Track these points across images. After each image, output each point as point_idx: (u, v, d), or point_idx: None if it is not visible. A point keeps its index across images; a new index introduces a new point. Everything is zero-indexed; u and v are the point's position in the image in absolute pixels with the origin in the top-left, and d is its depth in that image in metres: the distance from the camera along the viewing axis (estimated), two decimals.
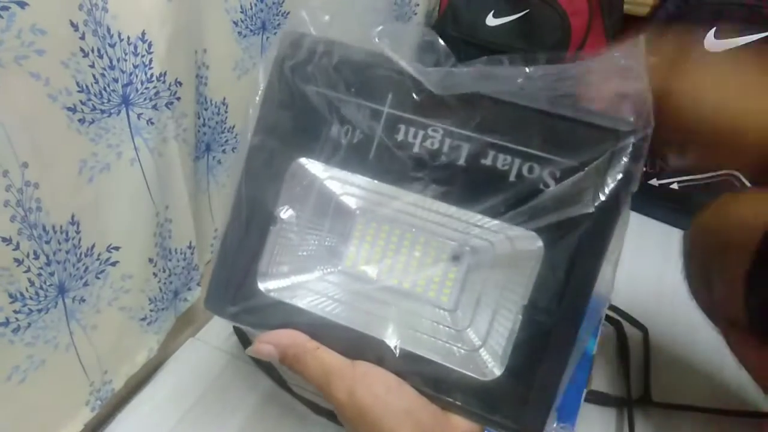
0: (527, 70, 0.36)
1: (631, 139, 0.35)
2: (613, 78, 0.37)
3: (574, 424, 0.58)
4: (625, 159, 0.35)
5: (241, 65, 0.64)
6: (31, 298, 0.45)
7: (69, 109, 0.45)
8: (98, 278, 0.51)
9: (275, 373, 0.65)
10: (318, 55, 0.39)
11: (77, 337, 0.50)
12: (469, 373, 0.37)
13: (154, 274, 0.58)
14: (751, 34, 0.77)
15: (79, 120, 0.46)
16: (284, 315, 0.40)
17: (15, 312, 0.44)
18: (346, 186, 0.41)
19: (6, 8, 0.38)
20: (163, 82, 0.52)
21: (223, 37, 0.61)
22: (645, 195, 0.90)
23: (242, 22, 0.62)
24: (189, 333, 0.71)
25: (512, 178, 0.37)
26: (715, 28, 0.78)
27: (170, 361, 0.68)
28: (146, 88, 0.51)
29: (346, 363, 0.38)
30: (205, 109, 0.62)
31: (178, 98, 0.55)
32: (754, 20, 0.76)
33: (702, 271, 0.52)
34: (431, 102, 0.38)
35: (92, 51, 0.46)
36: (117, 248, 0.52)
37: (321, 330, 0.39)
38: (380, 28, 0.39)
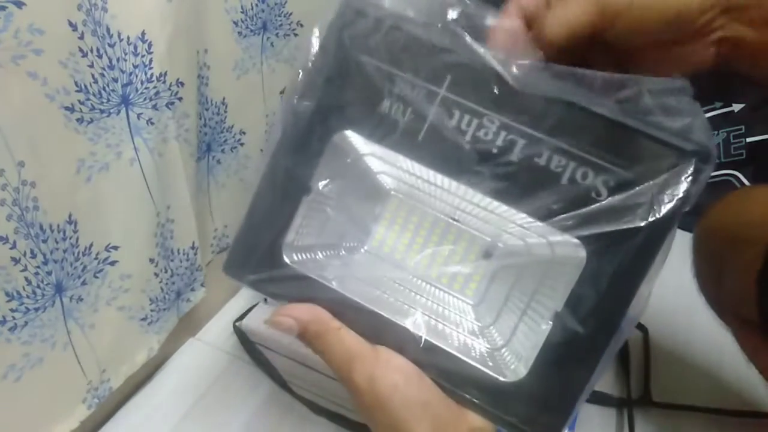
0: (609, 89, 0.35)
1: (694, 161, 0.33)
2: None
3: (574, 424, 0.57)
4: (685, 181, 0.34)
5: (240, 65, 0.64)
6: (28, 297, 0.45)
7: (67, 108, 0.45)
8: (96, 277, 0.51)
9: (276, 373, 0.65)
10: (383, 28, 0.37)
11: (75, 337, 0.50)
12: (489, 372, 0.37)
13: (156, 275, 0.58)
14: None
15: (78, 119, 0.46)
16: (307, 289, 0.39)
17: (12, 310, 0.45)
18: (385, 165, 0.40)
19: (3, 8, 0.38)
20: (164, 82, 0.52)
21: (223, 37, 0.61)
22: None
23: (242, 22, 0.62)
24: (189, 333, 0.71)
25: (564, 181, 0.35)
26: None
27: (170, 361, 0.68)
28: (146, 88, 0.51)
29: (368, 348, 0.37)
30: (206, 110, 0.62)
31: (180, 98, 0.55)
32: None
33: (712, 269, 0.51)
34: (493, 93, 0.36)
35: (91, 51, 0.46)
36: (116, 248, 0.52)
37: (344, 309, 0.38)
38: (458, 11, 0.37)
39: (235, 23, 0.62)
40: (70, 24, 0.43)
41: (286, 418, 0.62)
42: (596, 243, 0.35)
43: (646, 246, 0.34)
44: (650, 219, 0.34)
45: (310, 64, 0.39)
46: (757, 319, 0.47)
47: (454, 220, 0.40)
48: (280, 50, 0.69)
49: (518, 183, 0.36)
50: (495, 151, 0.36)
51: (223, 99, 0.64)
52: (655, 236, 0.34)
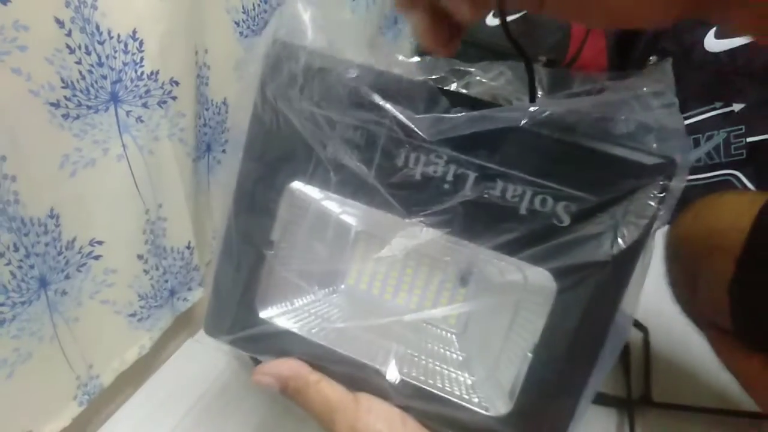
0: (531, 109, 0.32)
1: (659, 177, 0.31)
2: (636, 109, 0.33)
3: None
4: (651, 201, 0.31)
5: (242, 65, 0.64)
6: (14, 291, 0.46)
7: (52, 104, 0.45)
8: (80, 271, 0.52)
9: None
10: (306, 72, 0.36)
11: (60, 330, 0.51)
12: (475, 408, 0.36)
13: (145, 271, 0.58)
14: None
15: (63, 115, 0.46)
16: (285, 342, 0.39)
17: (0, 305, 0.45)
18: (345, 205, 0.39)
19: None
20: (155, 80, 0.53)
21: (224, 38, 0.61)
22: None
23: (244, 22, 0.62)
24: (188, 333, 0.71)
25: (523, 211, 0.33)
26: (714, 27, 0.76)
27: (169, 361, 0.69)
28: (136, 86, 0.52)
29: (348, 397, 0.36)
30: (206, 110, 0.63)
31: (174, 97, 0.55)
32: None
33: (686, 278, 0.51)
34: None
35: (79, 48, 0.46)
36: (100, 242, 0.53)
37: (323, 359, 0.38)
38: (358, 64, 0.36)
39: (237, 23, 0.62)
40: (57, 21, 0.44)
41: (285, 419, 0.62)
42: (566, 274, 0.33)
43: (615, 278, 0.33)
44: (615, 251, 0.32)
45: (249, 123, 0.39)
46: (730, 328, 0.45)
47: (424, 252, 0.39)
48: None
49: (477, 217, 0.34)
50: (447, 186, 0.34)
51: (224, 99, 0.64)
52: (624, 267, 0.33)
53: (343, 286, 0.41)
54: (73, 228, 0.50)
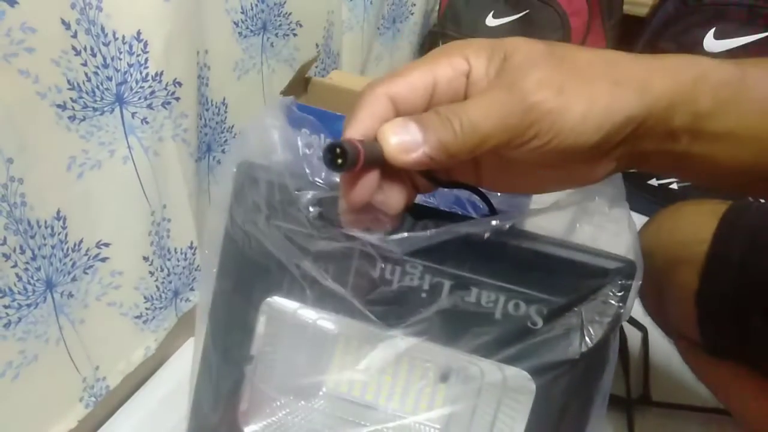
0: (493, 223, 0.33)
1: (620, 278, 0.34)
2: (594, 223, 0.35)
3: None
4: (613, 300, 0.34)
5: (241, 65, 0.64)
6: (19, 293, 0.46)
7: (59, 106, 0.45)
8: (86, 273, 0.52)
9: None
10: (269, 199, 0.37)
11: (66, 332, 0.51)
12: None
13: (151, 273, 0.58)
14: (751, 34, 0.75)
15: (70, 117, 0.46)
16: None
17: (5, 307, 0.45)
18: (322, 311, 0.39)
19: None
20: (159, 81, 0.53)
21: (223, 38, 0.61)
22: (644, 195, 0.89)
23: (243, 22, 0.62)
24: (189, 333, 0.71)
25: (498, 315, 0.35)
26: (714, 28, 0.77)
27: (171, 360, 0.68)
28: (141, 87, 0.52)
29: None
30: (206, 110, 0.63)
31: (177, 98, 0.55)
32: (754, 21, 0.74)
33: (653, 290, 0.51)
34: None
35: (85, 49, 0.46)
36: (107, 244, 0.53)
37: None
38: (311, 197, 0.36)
39: (236, 24, 0.62)
40: (63, 23, 0.44)
41: None
42: (542, 373, 0.35)
43: (586, 373, 0.35)
44: (584, 348, 0.34)
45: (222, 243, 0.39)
46: (699, 339, 0.46)
47: (403, 353, 0.39)
48: (279, 50, 0.69)
49: (454, 323, 0.35)
50: (424, 296, 0.35)
51: (224, 99, 0.64)
52: (594, 361, 0.35)
53: (323, 391, 0.42)
54: (79, 230, 0.50)
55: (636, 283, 0.34)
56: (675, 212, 0.50)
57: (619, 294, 0.34)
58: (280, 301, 0.38)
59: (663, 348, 0.70)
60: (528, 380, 0.35)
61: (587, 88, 0.28)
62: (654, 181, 0.89)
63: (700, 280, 0.45)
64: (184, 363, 0.68)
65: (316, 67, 0.78)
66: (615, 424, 0.63)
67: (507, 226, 0.33)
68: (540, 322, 0.34)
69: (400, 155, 0.29)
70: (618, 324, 0.34)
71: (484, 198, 0.36)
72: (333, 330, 0.40)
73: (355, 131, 0.30)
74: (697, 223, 0.47)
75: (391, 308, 0.36)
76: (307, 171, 0.37)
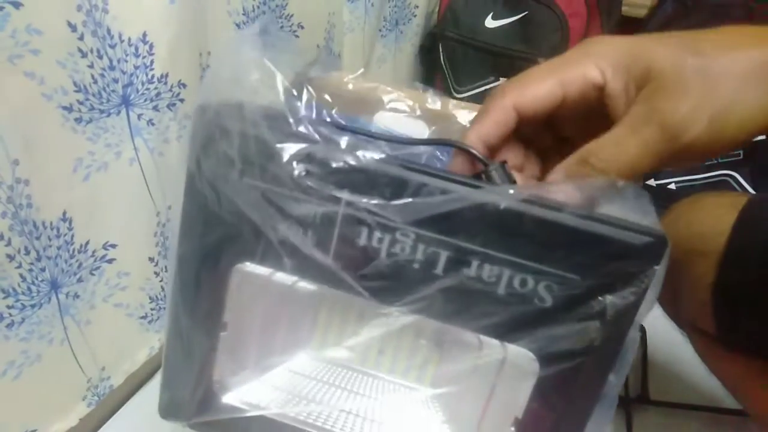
0: (510, 191, 0.29)
1: (649, 256, 0.29)
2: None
3: None
4: (639, 282, 0.29)
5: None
6: (23, 294, 0.46)
7: (65, 108, 0.45)
8: (93, 275, 0.52)
9: None
10: (243, 151, 0.31)
11: (71, 333, 0.51)
12: None
13: (156, 273, 0.58)
14: None
15: (76, 119, 0.46)
16: (252, 427, 0.37)
17: (8, 307, 0.45)
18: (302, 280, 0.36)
19: (0, 8, 0.39)
20: (165, 83, 0.53)
21: (225, 39, 0.61)
22: None
23: (244, 24, 0.63)
24: None
25: (501, 291, 0.30)
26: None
27: None
28: (147, 89, 0.52)
29: None
30: None
31: (182, 100, 0.55)
32: (753, 20, 0.74)
33: (668, 282, 0.50)
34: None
35: (91, 51, 0.46)
36: (114, 246, 0.53)
37: None
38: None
39: (237, 25, 0.62)
40: (69, 25, 0.44)
41: None
42: (548, 357, 0.31)
43: (599, 363, 0.31)
44: (599, 337, 0.30)
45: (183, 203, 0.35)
46: (713, 331, 0.46)
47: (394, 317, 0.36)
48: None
49: (451, 300, 0.31)
50: (417, 266, 0.31)
51: None
52: (611, 348, 0.31)
53: (306, 352, 0.39)
54: (86, 231, 0.50)
55: (664, 264, 0.29)
56: (693, 204, 0.50)
57: (649, 276, 0.29)
58: (254, 268, 0.34)
59: (661, 347, 0.70)
60: (531, 359, 0.31)
61: (738, 108, 0.28)
62: (652, 182, 0.89)
63: (717, 272, 0.44)
64: None
65: (317, 67, 0.78)
66: (613, 423, 0.63)
67: (524, 195, 0.29)
68: (549, 301, 0.30)
69: None
70: (639, 312, 0.30)
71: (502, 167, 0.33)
72: (315, 292, 0.37)
73: (477, 137, 0.32)
74: (716, 215, 0.46)
75: (381, 283, 0.31)
76: (291, 120, 0.31)
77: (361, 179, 0.30)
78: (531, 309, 0.30)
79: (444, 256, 0.30)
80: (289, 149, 0.30)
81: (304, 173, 0.30)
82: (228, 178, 0.31)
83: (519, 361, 0.33)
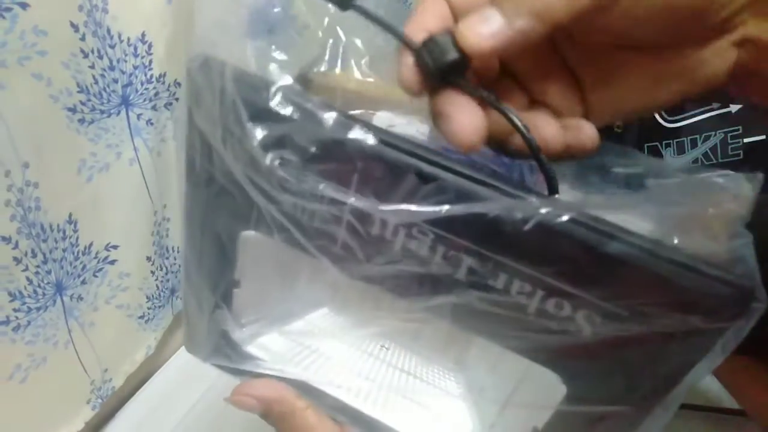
0: (543, 210, 0.23)
1: (731, 311, 0.22)
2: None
3: None
4: (708, 339, 0.23)
5: None
6: (29, 296, 0.46)
7: (69, 109, 0.45)
8: (96, 276, 0.52)
9: None
10: (228, 112, 0.26)
11: (75, 335, 0.51)
12: None
13: (152, 272, 0.58)
14: None
15: (79, 120, 0.46)
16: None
17: (15, 310, 0.45)
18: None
19: (8, 9, 0.39)
20: (163, 83, 0.53)
21: None
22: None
23: None
24: None
25: (531, 311, 0.25)
26: None
27: (171, 360, 0.69)
28: (146, 89, 0.52)
29: (335, 429, 0.33)
30: None
31: (177, 99, 0.55)
32: None
33: None
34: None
35: (92, 52, 0.46)
36: (115, 247, 0.52)
37: (309, 392, 0.34)
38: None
39: None
40: (72, 25, 0.44)
41: None
42: (578, 389, 0.27)
43: (634, 412, 0.26)
44: (643, 386, 0.26)
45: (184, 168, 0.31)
46: None
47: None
48: None
49: (471, 310, 0.27)
50: (435, 268, 0.26)
51: None
52: (653, 396, 0.26)
53: (327, 308, 0.38)
54: (90, 233, 0.50)
55: (748, 320, 0.23)
56: None
57: (724, 333, 0.23)
58: (259, 237, 0.30)
59: None
60: (557, 382, 0.28)
61: None
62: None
63: None
64: (184, 362, 0.68)
65: (318, 67, 0.78)
66: None
67: (565, 217, 0.23)
68: (588, 330, 0.25)
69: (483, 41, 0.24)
70: (696, 368, 0.24)
71: (544, 169, 0.26)
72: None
73: (417, 28, 0.26)
74: None
75: (389, 275, 0.27)
76: (264, 95, 0.25)
77: (351, 169, 0.25)
78: (564, 333, 0.26)
79: (467, 261, 0.26)
80: (258, 132, 0.25)
81: (278, 161, 0.25)
82: (215, 136, 0.27)
83: (545, 379, 0.29)
